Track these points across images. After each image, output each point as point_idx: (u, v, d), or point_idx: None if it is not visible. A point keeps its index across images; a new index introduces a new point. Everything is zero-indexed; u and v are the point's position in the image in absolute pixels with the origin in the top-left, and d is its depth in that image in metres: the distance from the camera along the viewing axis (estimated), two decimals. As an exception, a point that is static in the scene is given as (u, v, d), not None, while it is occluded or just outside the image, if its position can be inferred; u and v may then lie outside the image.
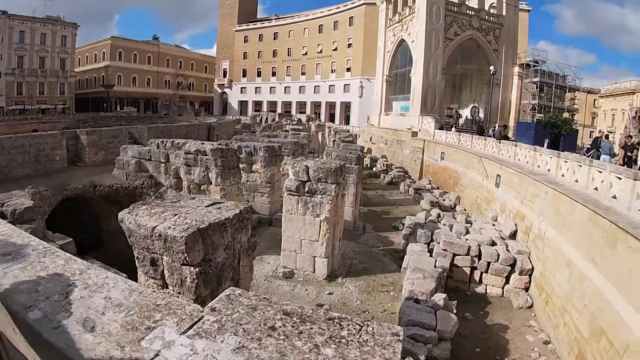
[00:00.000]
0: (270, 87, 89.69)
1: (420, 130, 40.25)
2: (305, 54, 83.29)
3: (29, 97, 71.79)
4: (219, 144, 15.62)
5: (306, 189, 13.45)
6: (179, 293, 5.72)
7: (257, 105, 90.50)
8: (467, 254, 14.51)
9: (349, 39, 75.30)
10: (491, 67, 39.20)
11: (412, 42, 46.23)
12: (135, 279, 10.18)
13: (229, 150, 15.19)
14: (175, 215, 5.92)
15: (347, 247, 16.91)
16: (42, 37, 74.12)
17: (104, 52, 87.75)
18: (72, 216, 18.68)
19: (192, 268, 5.47)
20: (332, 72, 79.07)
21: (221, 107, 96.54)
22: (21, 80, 71.53)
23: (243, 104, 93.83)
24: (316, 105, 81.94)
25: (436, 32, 43.48)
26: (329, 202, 13.28)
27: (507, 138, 26.75)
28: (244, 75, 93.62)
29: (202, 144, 15.76)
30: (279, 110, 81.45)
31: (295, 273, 14.36)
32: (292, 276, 14.31)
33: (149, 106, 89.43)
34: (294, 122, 48.24)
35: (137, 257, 6.06)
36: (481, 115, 47.16)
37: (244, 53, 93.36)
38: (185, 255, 5.35)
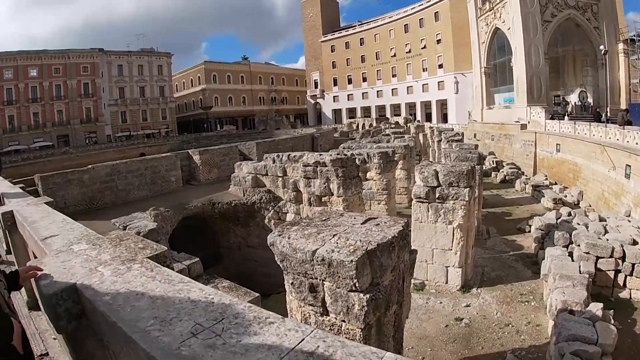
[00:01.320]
0: (363, 93, 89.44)
1: (529, 122, 37.62)
2: (394, 55, 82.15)
3: (133, 124, 77.70)
4: (338, 154, 15.11)
5: (436, 195, 12.53)
6: (343, 321, 5.13)
7: (351, 112, 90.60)
8: (611, 256, 12.88)
9: (437, 34, 73.05)
10: (601, 47, 36.25)
11: (508, 29, 43.51)
12: (262, 294, 9.68)
13: (349, 159, 14.65)
14: (335, 235, 5.33)
15: (475, 254, 15.75)
16: (139, 68, 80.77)
17: (199, 77, 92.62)
18: (190, 234, 18.98)
19: (361, 294, 4.85)
20: (423, 70, 77.14)
21: (315, 118, 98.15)
22: (124, 109, 78.10)
23: (337, 113, 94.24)
24: (411, 106, 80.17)
25: (532, 15, 40.45)
26: (462, 207, 12.26)
27: (629, 123, 24.30)
28: (335, 84, 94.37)
29: (320, 155, 15.40)
30: (373, 115, 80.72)
31: (426, 285, 13.46)
32: (424, 288, 13.42)
33: (246, 123, 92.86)
34: (393, 126, 47.19)
35: (291, 283, 5.53)
36: (589, 100, 43.74)
37: (333, 62, 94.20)
38: (355, 280, 4.71)
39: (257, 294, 9.20)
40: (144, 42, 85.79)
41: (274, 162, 18.21)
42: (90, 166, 19.93)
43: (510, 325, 11.27)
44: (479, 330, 11.14)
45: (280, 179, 17.90)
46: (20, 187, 11.90)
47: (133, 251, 2.80)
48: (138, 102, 78.58)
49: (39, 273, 2.50)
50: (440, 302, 12.62)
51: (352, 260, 4.64)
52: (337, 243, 5.05)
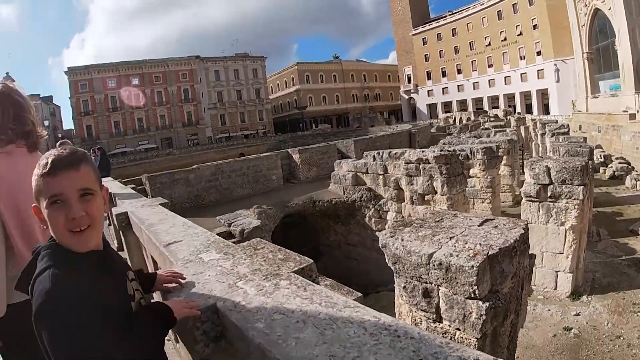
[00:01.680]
0: (458, 86, 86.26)
1: (638, 111, 34.54)
2: (489, 44, 78.44)
3: (231, 125, 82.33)
4: (441, 150, 14.59)
5: (548, 194, 11.72)
6: (457, 329, 4.89)
7: (446, 106, 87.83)
8: None
9: (532, 19, 68.48)
10: None
11: (609, 9, 39.39)
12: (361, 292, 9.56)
13: (452, 156, 14.11)
14: (451, 238, 5.08)
15: (585, 258, 14.72)
16: (235, 72, 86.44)
17: (292, 78, 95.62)
18: (290, 231, 19.30)
19: (480, 302, 4.56)
20: (521, 59, 72.82)
21: (410, 113, 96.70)
22: (223, 112, 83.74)
23: (432, 107, 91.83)
24: (509, 98, 75.85)
25: (633, -8, 36.36)
26: (576, 207, 11.35)
27: None
28: (429, 77, 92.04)
29: (422, 151, 14.91)
30: (469, 108, 77.51)
31: (534, 290, 12.71)
32: (531, 294, 12.63)
33: (340, 121, 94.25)
34: (492, 119, 45.25)
35: (403, 287, 5.35)
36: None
37: (425, 55, 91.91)
38: (475, 287, 4.47)
39: (359, 294, 9.11)
40: (238, 48, 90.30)
41: (374, 159, 17.96)
42: (195, 166, 20.89)
43: (622, 338, 10.33)
44: (588, 341, 10.31)
45: (381, 176, 17.59)
46: (131, 187, 12.39)
47: (274, 263, 2.51)
48: (236, 104, 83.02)
49: (183, 282, 2.35)
50: (548, 310, 11.80)
51: (472, 266, 4.40)
52: (454, 246, 4.81)
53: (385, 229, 14.94)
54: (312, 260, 2.54)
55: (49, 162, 1.71)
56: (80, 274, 1.65)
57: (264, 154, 26.54)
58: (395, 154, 16.87)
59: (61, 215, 1.69)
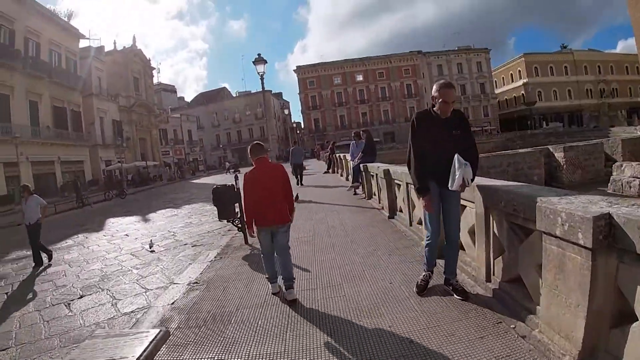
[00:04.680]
0: None
1: None
2: None
3: None
4: None
5: None
6: None
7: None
8: None
9: None
10: None
11: None
12: None
13: None
14: None
15: None
16: (458, 66, 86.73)
17: (519, 71, 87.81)
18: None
19: None
20: None
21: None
22: None
23: (682, 107, 74.62)
24: None
25: None
26: None
27: None
28: (680, 70, 75.98)
29: None
30: None
31: None
32: None
33: (572, 119, 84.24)
34: None
35: None
36: None
37: (672, 44, 78.11)
38: None
39: None
40: (455, 42, 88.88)
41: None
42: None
43: None
44: None
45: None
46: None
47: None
48: (459, 99, 79.73)
49: None
50: None
51: None
52: None
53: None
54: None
55: None
56: None
57: (524, 150, 25.02)
58: None
59: None
